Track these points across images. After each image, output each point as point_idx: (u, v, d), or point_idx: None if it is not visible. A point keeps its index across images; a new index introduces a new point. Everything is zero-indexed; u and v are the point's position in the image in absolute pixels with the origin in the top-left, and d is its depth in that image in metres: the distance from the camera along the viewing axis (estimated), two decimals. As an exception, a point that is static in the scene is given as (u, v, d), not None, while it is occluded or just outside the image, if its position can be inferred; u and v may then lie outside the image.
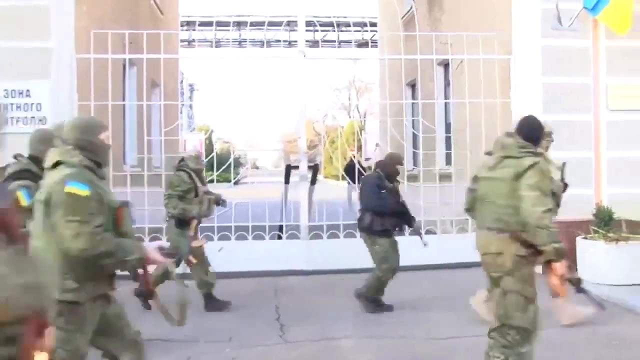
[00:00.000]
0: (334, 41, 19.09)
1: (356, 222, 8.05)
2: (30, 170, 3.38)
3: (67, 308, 2.70)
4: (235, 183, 9.78)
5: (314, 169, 8.73)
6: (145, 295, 3.31)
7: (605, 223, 7.16)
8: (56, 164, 2.86)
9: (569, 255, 7.26)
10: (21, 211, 2.97)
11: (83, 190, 2.76)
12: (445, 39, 9.18)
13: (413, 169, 10.39)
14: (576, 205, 7.55)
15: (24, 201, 3.12)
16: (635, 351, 4.73)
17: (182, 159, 6.28)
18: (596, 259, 6.96)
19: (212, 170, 8.60)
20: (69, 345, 2.73)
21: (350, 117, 45.86)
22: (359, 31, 20.16)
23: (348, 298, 6.61)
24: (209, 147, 16.79)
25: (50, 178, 2.84)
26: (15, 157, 3.55)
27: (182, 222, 5.92)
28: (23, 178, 3.30)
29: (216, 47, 19.12)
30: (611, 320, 5.55)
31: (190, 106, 33.20)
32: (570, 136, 7.71)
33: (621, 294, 6.45)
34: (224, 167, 8.76)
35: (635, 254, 6.85)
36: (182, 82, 21.49)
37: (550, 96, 7.75)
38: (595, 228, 7.14)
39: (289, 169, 8.94)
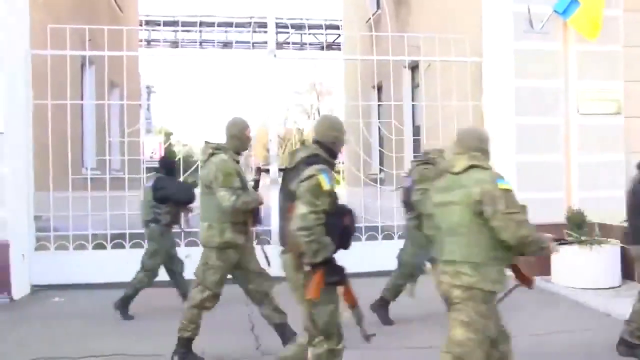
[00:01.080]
0: (298, 43, 18.86)
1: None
2: (319, 155, 3.29)
3: (486, 297, 3.06)
4: (195, 187, 9.42)
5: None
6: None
7: (578, 226, 7.12)
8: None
9: (543, 258, 7.23)
10: (322, 195, 3.03)
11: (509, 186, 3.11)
12: (414, 41, 9.04)
13: (381, 171, 10.24)
14: (548, 209, 7.57)
15: (325, 185, 3.07)
16: (613, 355, 4.62)
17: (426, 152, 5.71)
18: (571, 263, 6.90)
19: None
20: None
21: (311, 120, 45.76)
22: (322, 34, 20.01)
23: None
24: (168, 150, 16.35)
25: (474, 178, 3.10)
26: (302, 142, 3.40)
27: None
28: (314, 163, 3.21)
29: (176, 47, 18.64)
30: (588, 324, 5.49)
31: (148, 108, 32.45)
32: (542, 139, 7.68)
33: (596, 297, 6.40)
34: (190, 171, 8.38)
35: (609, 258, 6.83)
36: (140, 83, 20.88)
37: (522, 99, 7.68)
38: (569, 232, 7.09)
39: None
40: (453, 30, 8.70)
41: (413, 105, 11.37)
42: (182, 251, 6.66)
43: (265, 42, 8.70)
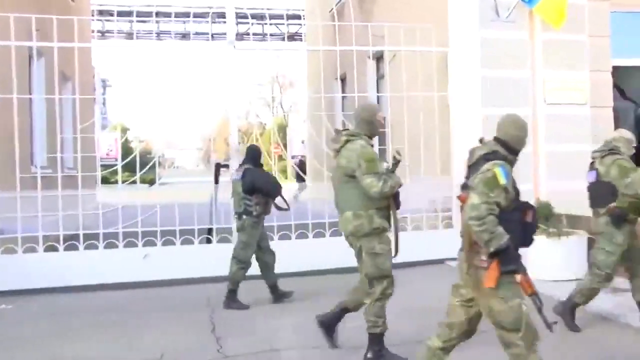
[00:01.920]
0: (259, 34, 18.71)
1: (291, 222, 7.86)
2: (498, 152, 3.39)
3: None
4: (152, 184, 9.29)
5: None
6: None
7: (546, 218, 7.23)
8: None
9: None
10: (497, 188, 3.10)
11: None
12: (378, 30, 9.05)
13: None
14: (516, 201, 7.65)
15: (502, 179, 3.14)
16: (587, 347, 4.71)
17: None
18: (539, 255, 6.99)
19: (132, 171, 8.06)
20: None
21: (273, 114, 45.59)
22: (284, 24, 19.91)
23: (287, 304, 6.35)
24: (125, 147, 16.04)
25: None
26: (480, 140, 3.54)
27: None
28: (493, 159, 3.29)
29: (132, 39, 18.26)
30: (555, 317, 5.56)
31: (104, 103, 31.80)
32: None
33: (563, 289, 6.50)
34: (147, 168, 8.22)
35: (577, 249, 6.96)
36: (93, 77, 20.42)
37: (489, 89, 7.77)
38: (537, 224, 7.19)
39: (218, 168, 8.51)
40: (418, 20, 8.73)
41: (378, 96, 11.39)
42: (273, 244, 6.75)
43: (225, 33, 8.58)
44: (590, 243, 7.01)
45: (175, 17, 14.35)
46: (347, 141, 4.40)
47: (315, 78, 9.06)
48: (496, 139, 3.50)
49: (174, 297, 6.95)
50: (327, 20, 11.12)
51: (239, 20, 12.97)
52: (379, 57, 11.54)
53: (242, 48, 8.52)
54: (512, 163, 3.37)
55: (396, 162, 4.42)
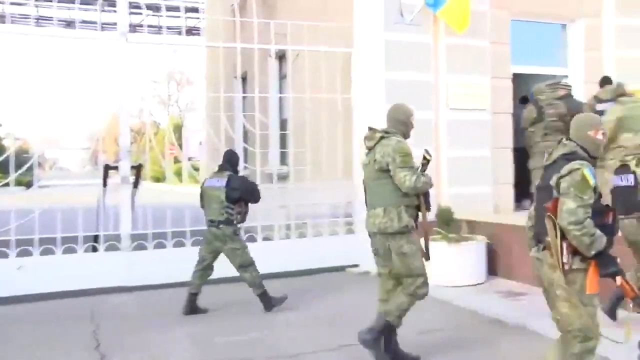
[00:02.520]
0: (155, 26, 18.14)
1: (185, 229, 7.65)
2: (578, 152, 3.42)
3: None
4: (29, 187, 8.74)
5: (137, 169, 8.02)
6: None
7: (446, 223, 7.48)
8: None
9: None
10: (588, 189, 3.20)
11: None
12: (281, 28, 9.01)
13: (245, 168, 10.11)
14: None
15: (591, 179, 3.22)
16: (482, 352, 4.88)
17: None
18: (440, 260, 7.21)
19: (5, 172, 7.51)
20: None
21: (168, 112, 44.47)
22: (182, 17, 19.41)
23: (181, 316, 6.16)
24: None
25: None
26: (559, 141, 3.55)
27: None
28: (573, 159, 3.33)
29: (4, 23, 17.08)
30: (455, 322, 5.77)
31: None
32: (412, 134, 7.90)
33: (463, 294, 6.75)
34: (24, 169, 7.68)
35: (476, 254, 7.24)
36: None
37: (393, 92, 7.89)
38: (438, 229, 7.43)
39: (107, 169, 8.12)
40: (323, 19, 8.77)
41: (280, 97, 11.36)
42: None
43: (115, 24, 8.22)
44: (497, 248, 7.37)
45: (58, 1, 13.53)
46: (382, 137, 4.60)
47: (214, 76, 8.88)
48: (572, 141, 3.53)
49: (52, 311, 6.54)
50: (227, 15, 10.93)
51: (132, 10, 12.47)
52: (281, 56, 11.51)
53: (135, 41, 8.18)
54: (592, 164, 3.41)
55: (426, 162, 4.59)
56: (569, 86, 8.72)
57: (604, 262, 3.24)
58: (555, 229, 3.24)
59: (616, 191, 5.13)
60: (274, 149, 10.14)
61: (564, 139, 3.56)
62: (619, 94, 7.48)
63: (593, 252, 3.20)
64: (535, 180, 8.19)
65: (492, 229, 7.53)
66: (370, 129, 4.78)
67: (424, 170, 4.57)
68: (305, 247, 8.11)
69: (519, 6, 8.80)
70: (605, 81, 7.57)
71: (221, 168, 6.43)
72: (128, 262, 7.44)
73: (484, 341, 5.18)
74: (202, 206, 6.44)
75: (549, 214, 3.26)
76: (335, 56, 8.54)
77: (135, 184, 7.91)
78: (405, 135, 4.76)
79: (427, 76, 8.13)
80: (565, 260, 3.23)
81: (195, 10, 18.82)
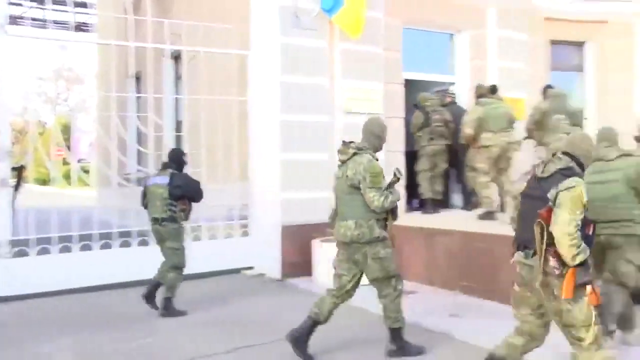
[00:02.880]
0: (40, 20, 17.34)
1: (73, 234, 7.44)
2: (573, 168, 3.71)
3: None
4: None
5: (19, 171, 7.70)
6: None
7: (340, 226, 7.69)
8: None
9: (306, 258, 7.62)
10: (581, 206, 3.51)
11: None
12: (177, 28, 8.97)
13: (139, 170, 9.94)
14: (314, 209, 8.05)
15: (584, 198, 3.53)
16: (376, 351, 5.05)
17: None
18: (332, 262, 7.40)
19: None
20: None
21: (56, 111, 42.50)
22: (70, 12, 18.66)
23: (67, 327, 5.96)
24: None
25: None
26: (553, 154, 3.81)
27: None
28: (570, 175, 3.61)
29: None
30: (348, 322, 5.92)
31: None
32: (308, 138, 8.16)
33: (360, 294, 6.95)
34: None
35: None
36: None
37: (288, 96, 8.08)
38: (331, 230, 7.62)
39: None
40: (220, 20, 8.82)
41: (176, 98, 11.26)
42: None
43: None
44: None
45: None
46: (354, 154, 4.92)
47: (106, 75, 8.67)
48: (567, 154, 3.79)
49: None
50: (120, 12, 10.71)
51: (12, 1, 11.91)
52: (177, 57, 11.40)
53: (16, 34, 7.87)
54: (581, 178, 3.68)
55: (396, 180, 4.87)
56: (453, 94, 9.32)
57: (581, 272, 3.51)
58: (542, 235, 3.51)
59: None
60: (168, 150, 10.03)
61: (558, 153, 3.80)
62: (479, 95, 8.12)
63: (576, 262, 3.46)
64: (423, 182, 8.77)
65: (385, 230, 7.84)
66: (344, 143, 5.08)
67: (391, 187, 4.87)
68: (199, 250, 8.10)
69: (410, 15, 9.23)
70: (493, 90, 8.21)
71: (165, 166, 6.49)
72: (6, 270, 7.11)
73: (378, 339, 5.27)
74: (144, 205, 6.46)
75: (539, 220, 3.51)
76: (232, 58, 8.60)
77: (17, 187, 7.60)
78: (378, 149, 5.14)
79: (323, 80, 8.35)
80: (556, 265, 3.50)
81: (85, 5, 18.18)
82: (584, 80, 11.42)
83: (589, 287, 3.56)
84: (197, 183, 6.53)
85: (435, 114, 8.88)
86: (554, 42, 10.87)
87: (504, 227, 7.02)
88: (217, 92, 8.45)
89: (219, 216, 8.42)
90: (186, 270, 7.82)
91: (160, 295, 6.32)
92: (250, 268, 8.32)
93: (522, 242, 3.74)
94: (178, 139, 9.96)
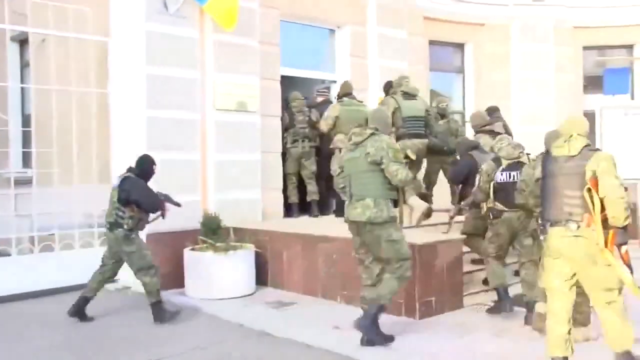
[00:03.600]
0: None
1: None
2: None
3: None
4: None
5: None
6: None
7: (213, 232, 7.38)
8: None
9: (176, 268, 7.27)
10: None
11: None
12: (20, 6, 8.17)
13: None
14: (183, 213, 7.65)
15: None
16: None
17: None
18: (205, 271, 7.10)
19: None
20: None
21: None
22: None
23: None
24: None
25: None
26: (571, 136, 4.31)
27: None
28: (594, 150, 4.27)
29: None
30: (223, 337, 5.73)
31: None
32: (177, 135, 7.75)
33: (231, 307, 6.71)
34: None
35: (243, 264, 7.24)
36: None
37: (155, 89, 7.60)
38: (203, 238, 7.30)
39: None
40: (74, 0, 8.15)
41: (22, 88, 10.35)
42: None
43: None
44: (266, 257, 7.45)
45: None
46: (372, 134, 5.31)
47: None
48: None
49: None
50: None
51: None
52: (23, 40, 10.50)
53: None
54: None
55: (408, 161, 5.44)
56: (326, 92, 9.24)
57: (622, 233, 4.03)
58: (593, 203, 3.99)
59: (500, 186, 6.00)
60: (14, 148, 9.15)
61: (575, 134, 4.26)
62: (344, 93, 8.22)
63: (626, 223, 3.99)
64: (289, 185, 8.68)
65: (262, 236, 7.61)
66: (360, 126, 5.67)
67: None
68: (53, 262, 7.44)
69: (288, 7, 9.06)
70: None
71: (129, 169, 6.38)
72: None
73: (250, 357, 5.15)
74: None
75: (589, 187, 4.02)
76: (89, 45, 8.00)
77: None
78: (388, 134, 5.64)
79: (194, 73, 7.95)
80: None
81: None
82: (463, 81, 11.82)
83: (624, 247, 4.07)
84: (146, 189, 6.30)
85: (300, 115, 8.80)
86: (432, 43, 11.15)
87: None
88: (72, 82, 7.80)
89: (76, 224, 7.76)
90: (37, 286, 7.24)
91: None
92: (114, 281, 7.75)
93: (556, 219, 4.23)
94: (26, 135, 9.11)
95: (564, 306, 4.24)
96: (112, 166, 7.99)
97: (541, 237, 4.74)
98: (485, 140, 7.53)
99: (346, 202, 5.37)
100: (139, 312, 6.55)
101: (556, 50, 11.63)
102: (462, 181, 7.36)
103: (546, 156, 4.45)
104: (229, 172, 8.13)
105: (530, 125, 9.25)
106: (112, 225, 6.21)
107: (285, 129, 8.90)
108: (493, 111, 8.73)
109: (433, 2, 10.88)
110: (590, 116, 11.00)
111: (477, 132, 8.06)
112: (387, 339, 5.23)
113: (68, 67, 7.84)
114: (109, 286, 7.72)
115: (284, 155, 8.97)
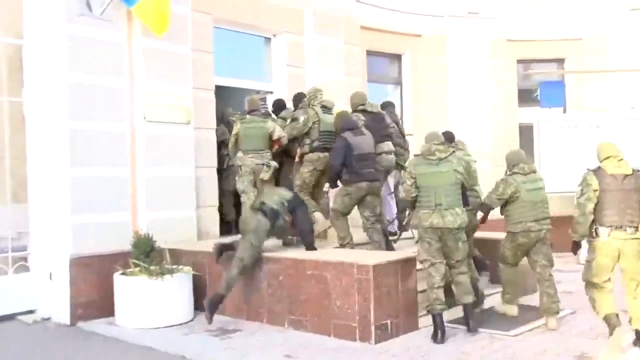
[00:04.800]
0: None
1: None
2: None
3: None
4: None
5: None
6: None
7: (146, 254, 6.82)
8: None
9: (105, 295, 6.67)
10: None
11: None
12: None
13: None
14: (111, 234, 7.08)
15: None
16: None
17: None
18: (138, 298, 6.53)
19: None
20: None
21: None
22: None
23: None
24: None
25: None
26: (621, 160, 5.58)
27: None
28: None
29: None
30: None
31: None
32: (103, 149, 7.15)
33: (170, 337, 6.17)
34: None
35: (181, 289, 6.71)
36: None
37: (78, 99, 6.98)
38: (136, 261, 6.73)
39: None
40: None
41: None
42: None
43: None
44: (205, 280, 6.93)
45: None
46: (453, 151, 6.38)
47: None
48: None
49: None
50: None
51: None
52: None
53: None
54: None
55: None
56: (265, 104, 8.87)
57: None
58: None
59: None
60: None
61: (620, 159, 5.48)
62: (249, 110, 8.05)
63: None
64: (226, 203, 8.41)
65: (199, 257, 7.12)
66: (436, 142, 6.14)
67: None
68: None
69: (221, 13, 8.61)
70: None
71: None
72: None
73: None
74: None
75: None
76: (0, 48, 7.27)
77: None
78: None
79: (121, 82, 7.37)
80: None
81: None
82: (401, 92, 11.70)
83: None
84: None
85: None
86: (370, 53, 10.97)
87: (333, 252, 6.71)
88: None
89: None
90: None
91: None
92: (31, 312, 7.03)
93: (618, 224, 5.32)
94: None
95: (611, 293, 5.46)
96: (29, 184, 7.29)
97: (593, 240, 5.48)
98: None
99: (424, 211, 5.94)
100: (64, 348, 5.93)
101: (491, 62, 11.69)
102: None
103: (600, 172, 5.45)
104: (161, 188, 7.57)
105: (467, 136, 9.15)
106: None
107: (221, 143, 8.44)
108: (387, 106, 8.72)
109: (370, 12, 10.69)
110: (525, 128, 11.39)
111: (353, 111, 7.98)
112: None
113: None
114: (25, 317, 7.03)
115: (219, 171, 8.49)
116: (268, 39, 9.60)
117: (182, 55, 7.95)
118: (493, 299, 7.05)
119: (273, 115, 8.33)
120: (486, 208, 6.73)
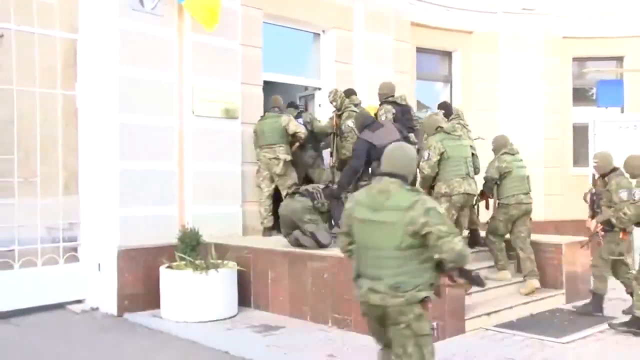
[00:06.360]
0: None
1: None
2: None
3: None
4: None
5: None
6: None
7: (192, 248, 6.88)
8: None
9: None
10: None
11: None
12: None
13: None
14: (157, 227, 7.14)
15: None
16: None
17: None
18: (184, 292, 6.59)
19: None
20: None
21: None
22: None
23: None
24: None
25: None
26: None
27: None
28: None
29: None
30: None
31: None
32: (152, 143, 7.27)
33: (214, 332, 6.19)
34: None
35: (225, 284, 6.74)
36: None
37: (129, 91, 7.10)
38: (181, 255, 6.78)
39: None
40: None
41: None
42: None
43: None
44: (249, 276, 6.95)
45: None
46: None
47: None
48: None
49: None
50: None
51: None
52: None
53: None
54: None
55: None
56: (302, 105, 8.82)
57: None
58: None
59: None
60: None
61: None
62: (272, 107, 8.22)
63: None
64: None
65: (244, 253, 7.14)
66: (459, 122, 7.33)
67: None
68: (11, 281, 6.78)
69: (272, 8, 8.62)
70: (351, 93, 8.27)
71: None
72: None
73: None
74: None
75: None
76: (56, 42, 7.43)
77: None
78: None
79: (171, 76, 7.48)
80: None
81: None
82: (451, 90, 11.51)
83: None
84: None
85: None
86: (420, 50, 10.81)
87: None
88: (36, 82, 7.20)
89: (38, 239, 7.10)
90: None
91: None
92: (80, 302, 7.16)
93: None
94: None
95: None
96: (80, 176, 7.42)
97: None
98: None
99: (457, 179, 6.60)
100: (109, 338, 6.01)
101: (545, 61, 11.38)
102: None
103: None
104: (208, 183, 7.64)
105: (519, 136, 8.91)
106: None
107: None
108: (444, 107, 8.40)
109: (421, 9, 10.54)
110: (580, 129, 11.06)
111: (382, 102, 7.96)
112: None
113: (32, 65, 7.24)
114: (74, 307, 7.15)
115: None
116: (317, 35, 9.57)
117: (231, 50, 8.01)
118: (515, 287, 7.12)
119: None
120: (489, 183, 7.29)
